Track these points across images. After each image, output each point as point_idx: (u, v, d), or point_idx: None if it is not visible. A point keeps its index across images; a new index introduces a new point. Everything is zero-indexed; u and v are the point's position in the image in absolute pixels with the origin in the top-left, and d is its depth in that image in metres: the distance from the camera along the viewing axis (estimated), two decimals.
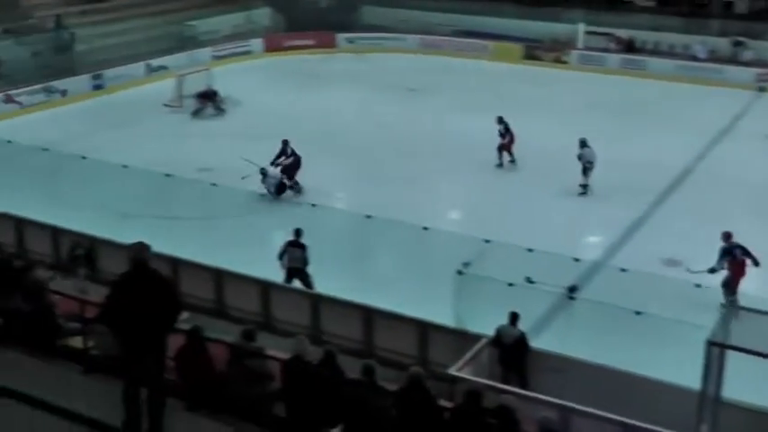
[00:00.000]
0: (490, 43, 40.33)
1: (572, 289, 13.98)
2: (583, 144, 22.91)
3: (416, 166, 24.59)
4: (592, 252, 18.97)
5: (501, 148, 24.90)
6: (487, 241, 14.83)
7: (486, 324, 13.63)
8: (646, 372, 12.44)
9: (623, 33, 39.50)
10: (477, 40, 40.73)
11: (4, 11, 34.79)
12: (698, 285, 14.89)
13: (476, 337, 13.75)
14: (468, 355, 13.28)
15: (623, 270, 14.40)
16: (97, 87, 32.20)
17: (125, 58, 34.30)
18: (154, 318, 8.09)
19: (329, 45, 41.60)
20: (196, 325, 10.94)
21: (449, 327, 14.45)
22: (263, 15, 43.15)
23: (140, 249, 8.08)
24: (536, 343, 13.80)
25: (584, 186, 22.88)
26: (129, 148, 25.09)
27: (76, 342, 11.14)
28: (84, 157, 19.73)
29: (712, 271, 16.47)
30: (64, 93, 30.82)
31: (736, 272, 16.49)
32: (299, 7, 44.24)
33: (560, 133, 27.41)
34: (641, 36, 39.53)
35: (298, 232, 16.39)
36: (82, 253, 15.18)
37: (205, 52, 37.43)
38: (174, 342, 9.75)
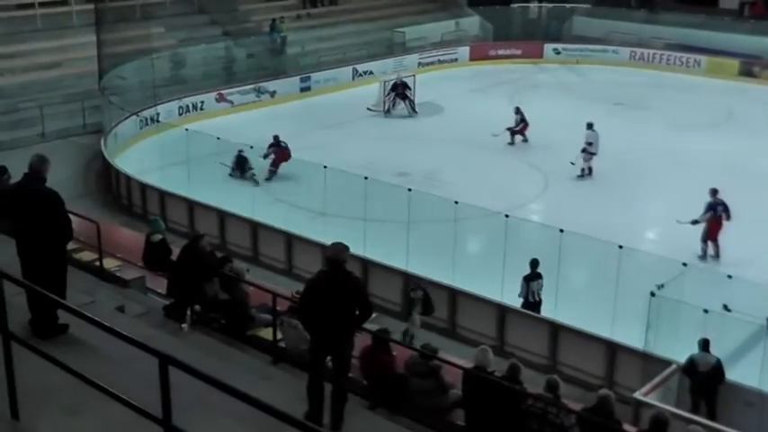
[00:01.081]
0: (704, 58, 38.83)
1: None
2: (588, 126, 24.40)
3: (618, 183, 23.99)
4: None
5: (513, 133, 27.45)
6: (685, 264, 14.26)
7: (677, 349, 13.17)
8: None
9: None
10: (691, 54, 39.31)
11: (224, 14, 36.55)
12: None
13: (665, 362, 13.32)
14: (657, 379, 12.89)
15: None
16: (305, 89, 33.22)
17: (334, 62, 35.28)
18: (345, 318, 8.24)
19: (536, 55, 41.21)
20: (384, 327, 11.14)
21: (638, 349, 14.05)
22: (473, 24, 43.30)
23: (340, 250, 8.22)
24: (729, 375, 13.19)
25: (582, 170, 24.30)
26: (332, 149, 25.75)
27: (267, 333, 11.56)
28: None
29: (694, 222, 19.30)
30: (273, 93, 31.95)
31: (714, 226, 19.27)
32: (509, 16, 44.15)
33: None
34: None
35: (535, 263, 15.75)
36: (420, 296, 15.03)
37: (412, 58, 37.94)
38: (362, 342, 9.96)
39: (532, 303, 15.79)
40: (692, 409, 12.53)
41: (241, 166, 23.55)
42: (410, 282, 15.39)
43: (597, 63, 40.18)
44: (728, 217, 19.29)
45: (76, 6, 31.98)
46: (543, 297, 15.80)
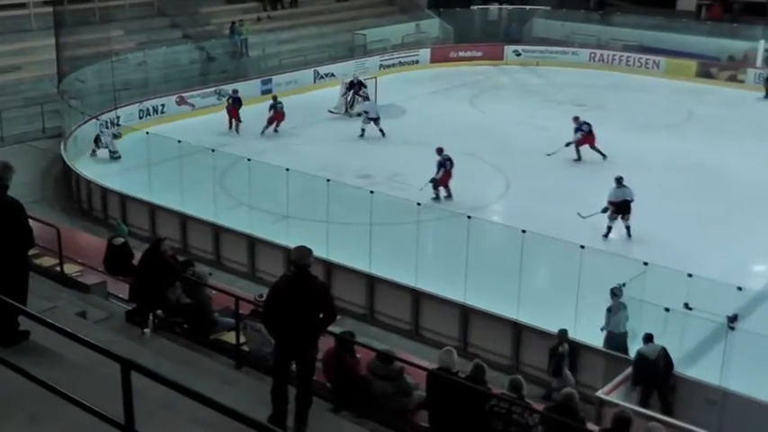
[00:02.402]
0: (662, 59, 39.26)
1: (733, 318, 13.39)
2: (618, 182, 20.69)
3: (580, 183, 24.19)
4: (756, 282, 18.13)
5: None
6: (646, 263, 14.41)
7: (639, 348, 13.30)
8: None
9: None
10: (650, 55, 39.73)
11: (184, 17, 36.37)
12: None
13: (627, 361, 13.45)
14: (619, 378, 13.00)
15: None
16: (266, 92, 33.10)
17: (295, 64, 35.23)
18: (310, 322, 8.23)
19: (497, 57, 41.41)
20: (348, 330, 11.14)
21: (599, 348, 14.18)
22: (433, 26, 43.44)
23: (304, 254, 8.21)
24: (691, 372, 13.37)
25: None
26: (294, 151, 25.75)
27: (230, 337, 11.53)
28: (249, 159, 20.31)
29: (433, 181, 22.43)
30: None
31: (444, 178, 22.65)
32: (469, 18, 44.37)
33: (732, 156, 26.58)
34: None
35: (617, 292, 14.34)
36: (567, 350, 13.70)
37: (373, 61, 38.01)
38: (325, 344, 9.96)
39: (617, 335, 14.42)
40: (640, 402, 12.67)
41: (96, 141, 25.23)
42: (559, 337, 13.83)
43: (557, 65, 40.47)
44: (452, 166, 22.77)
45: (34, 9, 31.73)
46: (627, 329, 14.44)
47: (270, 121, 28.81)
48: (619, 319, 14.38)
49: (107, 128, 25.53)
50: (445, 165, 22.77)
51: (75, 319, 10.26)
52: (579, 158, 26.23)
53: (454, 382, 9.44)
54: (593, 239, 16.62)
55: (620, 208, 20.37)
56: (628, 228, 20.38)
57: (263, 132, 28.59)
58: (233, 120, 29.09)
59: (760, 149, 27.61)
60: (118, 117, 26.94)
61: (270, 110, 28.89)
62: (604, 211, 20.25)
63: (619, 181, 20.56)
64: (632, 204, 20.41)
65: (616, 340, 14.33)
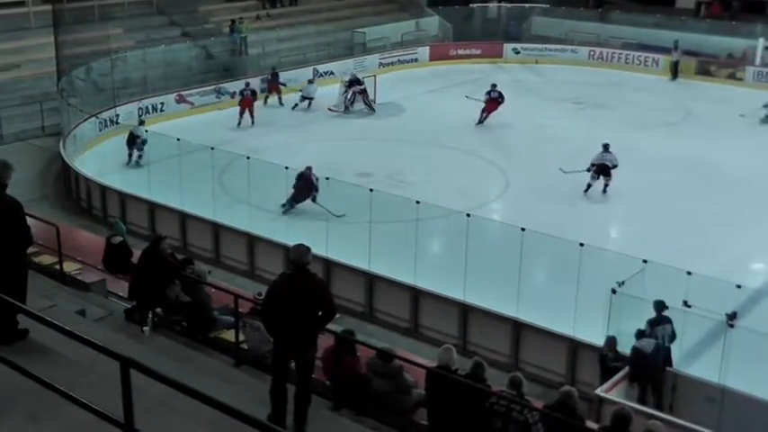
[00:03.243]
0: (662, 57, 39.24)
1: (732, 316, 13.38)
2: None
3: (578, 181, 24.19)
4: (755, 279, 18.15)
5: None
6: (645, 261, 14.40)
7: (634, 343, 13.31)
8: None
9: None
10: (649, 53, 39.71)
11: (183, 15, 36.35)
12: None
13: (626, 359, 13.43)
14: (618, 376, 13.00)
15: None
16: (265, 90, 32.99)
17: (294, 62, 35.19)
18: (309, 320, 8.23)
19: (496, 55, 41.36)
20: (348, 329, 11.14)
21: (600, 346, 14.17)
22: (432, 24, 43.41)
23: (303, 252, 8.21)
24: (690, 370, 13.37)
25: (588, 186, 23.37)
26: (293, 150, 25.74)
27: (229, 335, 11.54)
28: (248, 157, 20.30)
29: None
30: (233, 94, 31.77)
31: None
32: (469, 16, 44.36)
33: (731, 154, 26.63)
34: None
35: (661, 306, 13.54)
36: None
37: (372, 59, 37.96)
38: (324, 342, 9.96)
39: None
40: (638, 400, 12.68)
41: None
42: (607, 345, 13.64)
43: (556, 63, 40.43)
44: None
45: (34, 8, 31.66)
46: (670, 348, 13.57)
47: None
48: (657, 333, 13.44)
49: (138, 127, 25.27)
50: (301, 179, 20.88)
51: (75, 317, 10.26)
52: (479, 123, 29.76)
53: (453, 380, 9.43)
54: (592, 237, 16.59)
55: (600, 169, 22.99)
56: (605, 186, 23.09)
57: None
58: (246, 113, 29.38)
59: (758, 147, 27.65)
60: (117, 115, 26.94)
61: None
62: (588, 170, 22.96)
63: (605, 147, 23.18)
64: (613, 170, 22.91)
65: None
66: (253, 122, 29.41)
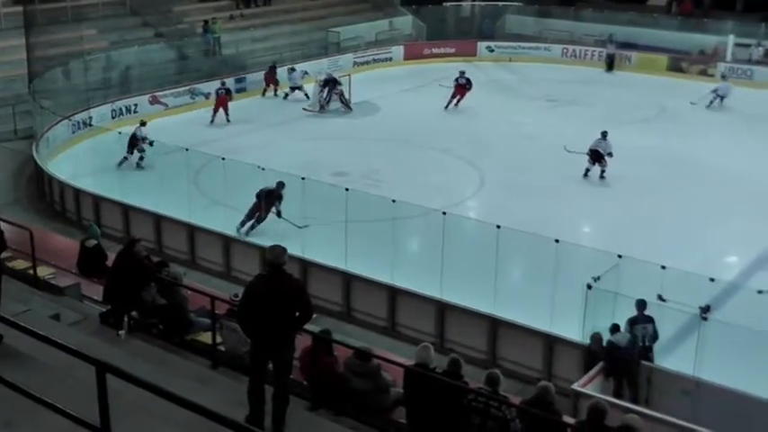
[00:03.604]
0: (634, 54, 39.50)
1: (705, 309, 13.51)
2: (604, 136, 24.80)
3: (553, 178, 24.33)
4: (729, 272, 18.31)
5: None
6: (620, 256, 14.49)
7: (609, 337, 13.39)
8: None
9: None
10: (622, 50, 39.93)
11: (156, 16, 36.17)
12: None
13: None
14: (594, 370, 13.07)
15: (760, 292, 13.83)
16: (240, 91, 33.00)
17: (268, 62, 35.06)
18: (286, 321, 8.23)
19: (470, 53, 41.42)
20: (325, 328, 11.14)
21: (576, 341, 14.25)
22: (406, 23, 43.46)
23: (279, 253, 8.21)
24: (665, 363, 13.47)
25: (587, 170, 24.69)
26: (268, 150, 25.69)
27: (206, 337, 11.50)
28: (223, 158, 20.24)
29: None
30: (207, 95, 31.66)
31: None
32: (442, 15, 44.43)
33: (703, 149, 26.85)
34: None
35: (643, 305, 13.61)
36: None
37: (347, 58, 37.97)
38: (302, 343, 9.95)
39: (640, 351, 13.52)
40: (614, 393, 12.76)
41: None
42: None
43: (530, 60, 40.57)
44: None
45: (4, 9, 31.41)
46: (652, 347, 13.62)
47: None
48: (636, 332, 13.50)
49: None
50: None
51: (49, 321, 10.21)
52: (447, 107, 31.58)
53: (431, 377, 9.46)
54: (567, 233, 16.68)
55: (593, 155, 24.35)
56: (602, 171, 24.38)
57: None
58: (220, 111, 29.72)
59: (730, 142, 27.90)
60: (91, 117, 26.78)
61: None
62: (587, 154, 24.37)
63: (603, 134, 24.64)
64: (608, 157, 24.22)
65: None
66: (228, 120, 29.51)
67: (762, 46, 38.02)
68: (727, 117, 31.48)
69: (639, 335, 13.46)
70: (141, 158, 24.44)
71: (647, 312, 13.52)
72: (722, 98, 32.75)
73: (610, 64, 39.35)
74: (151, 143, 23.94)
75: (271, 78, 33.47)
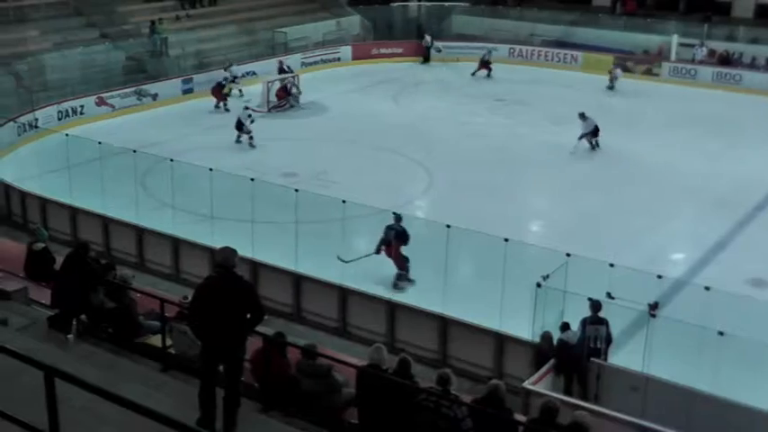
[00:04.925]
0: (580, 54, 39.93)
1: (653, 306, 13.69)
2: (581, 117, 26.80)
3: (501, 177, 24.52)
4: (675, 269, 18.62)
5: None
6: (569, 255, 14.63)
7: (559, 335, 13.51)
8: (727, 394, 12.18)
9: (720, 46, 38.87)
10: (568, 50, 40.37)
11: (101, 16, 35.76)
12: None
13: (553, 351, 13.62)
14: (545, 368, 13.18)
15: (707, 288, 14.05)
16: (187, 91, 32.79)
17: (216, 63, 34.92)
18: (236, 323, 8.20)
19: (417, 54, 41.63)
20: (279, 331, 11.10)
21: (526, 339, 14.36)
22: (353, 23, 43.49)
23: (228, 255, 8.18)
24: (614, 359, 13.63)
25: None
26: (217, 151, 25.56)
27: (156, 340, 11.40)
28: (171, 160, 20.09)
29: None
30: (155, 96, 31.40)
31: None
32: (389, 15, 44.55)
33: (648, 147, 27.23)
34: (738, 48, 38.80)
35: (597, 306, 13.57)
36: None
37: (295, 58, 37.86)
38: (253, 344, 9.91)
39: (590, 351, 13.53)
40: (564, 391, 12.89)
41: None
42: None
43: (477, 60, 40.79)
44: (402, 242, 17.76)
45: None
46: (600, 345, 13.53)
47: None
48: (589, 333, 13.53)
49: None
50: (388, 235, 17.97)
51: None
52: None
53: (384, 378, 9.48)
54: (515, 232, 16.83)
55: (594, 132, 26.58)
56: (596, 141, 26.86)
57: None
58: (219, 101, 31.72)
59: (675, 140, 28.33)
60: (36, 119, 26.42)
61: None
62: (580, 139, 26.24)
63: (582, 115, 26.52)
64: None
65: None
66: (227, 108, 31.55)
67: (705, 46, 38.65)
68: (671, 117, 31.92)
69: (591, 336, 13.47)
70: (251, 138, 27.07)
71: (601, 314, 13.56)
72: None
73: (426, 56, 41.04)
74: (252, 120, 27.24)
75: (218, 93, 32.25)
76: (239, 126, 27.51)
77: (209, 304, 8.12)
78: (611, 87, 36.04)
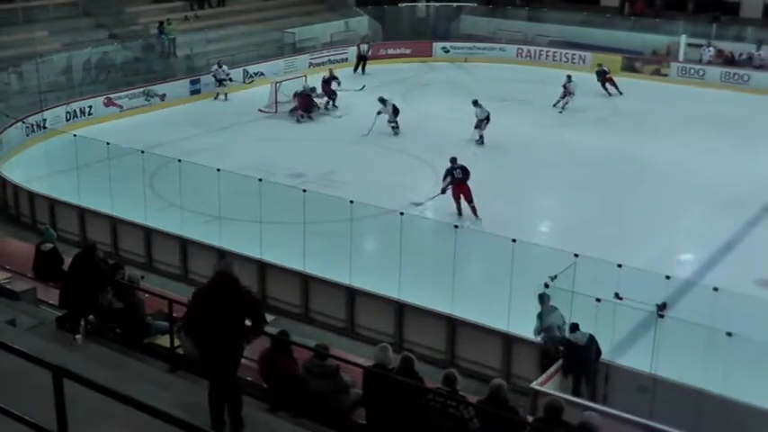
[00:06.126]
0: (588, 54, 39.84)
1: (661, 307, 13.67)
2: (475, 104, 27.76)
3: (509, 177, 24.49)
4: (684, 270, 18.58)
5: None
6: (576, 255, 14.61)
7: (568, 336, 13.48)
8: (736, 395, 12.15)
9: (727, 46, 38.78)
10: (576, 51, 40.28)
11: (109, 17, 35.84)
12: None
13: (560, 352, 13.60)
14: (553, 369, 13.16)
15: (715, 289, 14.01)
16: (195, 92, 32.83)
17: (225, 63, 34.96)
18: (232, 329, 8.23)
19: (425, 54, 41.61)
20: (283, 330, 11.11)
21: (534, 340, 14.34)
22: (362, 24, 43.50)
23: (228, 264, 8.25)
24: (622, 360, 13.61)
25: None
26: (225, 151, 25.59)
27: (164, 341, 11.42)
28: (179, 160, 20.11)
29: (443, 192, 21.68)
30: (163, 97, 31.45)
31: (456, 189, 21.59)
32: (398, 16, 44.54)
33: (656, 148, 27.17)
34: (746, 49, 38.69)
35: (543, 298, 14.05)
36: None
37: (303, 59, 37.93)
38: (261, 345, 9.93)
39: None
40: (573, 391, 12.87)
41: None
42: None
43: (485, 61, 40.80)
44: (467, 178, 21.52)
45: None
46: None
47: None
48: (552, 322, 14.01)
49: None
50: (453, 173, 21.69)
51: (5, 327, 10.09)
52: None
53: (390, 378, 9.48)
54: (523, 233, 16.80)
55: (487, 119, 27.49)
56: (481, 137, 27.49)
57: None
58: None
59: (683, 141, 28.26)
60: (44, 120, 26.49)
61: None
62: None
63: (475, 102, 27.75)
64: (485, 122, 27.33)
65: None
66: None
67: (712, 46, 38.56)
68: (679, 117, 31.84)
69: (555, 324, 13.79)
70: (395, 126, 28.38)
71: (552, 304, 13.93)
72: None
73: (359, 64, 39.14)
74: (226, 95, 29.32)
75: (327, 88, 32.41)
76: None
77: (205, 312, 8.17)
78: (608, 94, 35.26)
